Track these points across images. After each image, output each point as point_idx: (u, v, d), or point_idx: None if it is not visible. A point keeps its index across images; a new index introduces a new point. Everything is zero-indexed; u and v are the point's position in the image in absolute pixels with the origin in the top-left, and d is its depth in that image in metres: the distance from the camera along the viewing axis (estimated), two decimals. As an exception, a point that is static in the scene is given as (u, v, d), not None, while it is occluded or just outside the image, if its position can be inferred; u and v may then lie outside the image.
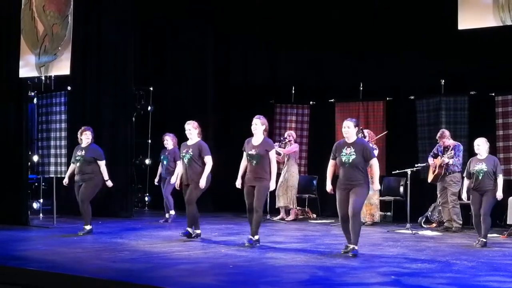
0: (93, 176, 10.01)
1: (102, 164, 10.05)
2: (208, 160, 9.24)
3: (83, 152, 10.04)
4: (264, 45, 14.03)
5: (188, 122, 9.49)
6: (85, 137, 10.10)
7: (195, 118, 14.12)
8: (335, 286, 6.33)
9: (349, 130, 8.08)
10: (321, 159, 13.00)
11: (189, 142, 9.38)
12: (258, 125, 8.74)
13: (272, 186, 8.67)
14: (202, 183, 9.13)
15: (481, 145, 9.12)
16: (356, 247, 7.99)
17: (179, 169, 9.53)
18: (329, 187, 8.30)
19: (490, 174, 8.99)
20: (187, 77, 14.52)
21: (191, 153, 9.22)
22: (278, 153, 12.22)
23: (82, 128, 10.23)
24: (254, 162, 8.61)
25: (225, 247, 8.56)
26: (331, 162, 8.29)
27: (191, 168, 9.21)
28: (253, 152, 8.64)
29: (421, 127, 12.24)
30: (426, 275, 6.78)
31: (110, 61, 12.83)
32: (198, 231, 9.41)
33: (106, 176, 10.05)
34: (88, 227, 9.95)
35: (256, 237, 8.69)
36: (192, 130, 9.37)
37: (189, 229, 9.31)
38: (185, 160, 9.26)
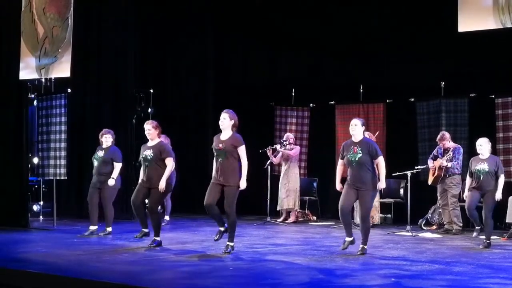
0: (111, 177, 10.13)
1: (117, 166, 10.15)
2: (169, 162, 8.69)
3: (103, 152, 10.20)
4: (264, 47, 14.04)
5: (147, 122, 9.05)
6: (105, 140, 10.27)
7: (195, 120, 14.34)
8: (335, 289, 6.34)
9: (356, 127, 8.19)
10: (321, 162, 13.07)
11: (149, 143, 8.85)
12: (227, 120, 8.21)
13: (243, 185, 8.04)
14: (162, 185, 8.57)
15: (483, 145, 9.15)
16: (365, 247, 8.28)
17: (141, 175, 8.87)
18: (338, 186, 8.43)
19: (491, 174, 9.02)
20: (188, 79, 14.53)
21: (152, 155, 8.68)
22: (274, 153, 12.18)
23: (103, 130, 10.39)
24: (221, 158, 8.06)
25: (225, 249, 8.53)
26: (340, 162, 8.43)
27: (151, 170, 8.66)
28: (219, 147, 8.09)
29: (421, 129, 12.24)
30: (427, 277, 6.78)
31: (110, 63, 12.84)
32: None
33: (114, 174, 10.10)
34: (109, 229, 10.17)
35: (232, 243, 8.24)
36: (152, 130, 8.82)
37: (157, 238, 8.77)
38: (146, 162, 8.73)
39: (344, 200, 8.17)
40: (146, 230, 8.93)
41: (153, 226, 8.81)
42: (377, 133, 11.88)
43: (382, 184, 8.27)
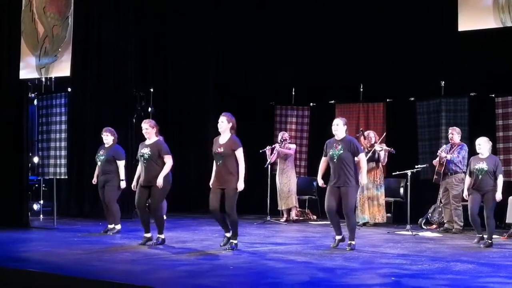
0: (114, 176, 10.13)
1: (120, 164, 10.15)
2: (168, 159, 8.74)
3: (105, 152, 10.21)
4: (265, 47, 14.03)
5: (144, 121, 9.10)
6: (104, 138, 10.28)
7: (195, 119, 14.33)
8: (335, 288, 6.34)
9: (337, 127, 8.65)
10: (321, 161, 13.04)
11: (147, 142, 8.87)
12: (224, 123, 8.33)
13: (240, 187, 8.18)
14: (160, 182, 8.59)
15: (482, 144, 9.13)
16: (353, 242, 8.58)
17: (138, 171, 8.94)
18: (320, 182, 8.87)
19: (490, 174, 9.01)
20: (188, 79, 14.52)
21: (150, 153, 8.69)
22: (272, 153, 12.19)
23: (104, 128, 10.39)
24: (219, 162, 8.23)
25: (226, 248, 8.55)
26: (323, 159, 8.91)
27: (149, 169, 8.67)
28: (218, 151, 8.23)
29: (421, 128, 12.25)
30: (427, 277, 6.79)
31: (111, 62, 12.84)
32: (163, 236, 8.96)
33: (122, 176, 10.12)
34: (118, 227, 10.17)
35: (235, 241, 8.45)
36: (149, 129, 8.86)
37: (161, 236, 8.88)
38: (143, 161, 8.73)
39: (328, 201, 8.59)
40: (148, 236, 8.95)
41: (156, 225, 8.87)
42: (384, 134, 11.90)
43: (363, 180, 8.63)
